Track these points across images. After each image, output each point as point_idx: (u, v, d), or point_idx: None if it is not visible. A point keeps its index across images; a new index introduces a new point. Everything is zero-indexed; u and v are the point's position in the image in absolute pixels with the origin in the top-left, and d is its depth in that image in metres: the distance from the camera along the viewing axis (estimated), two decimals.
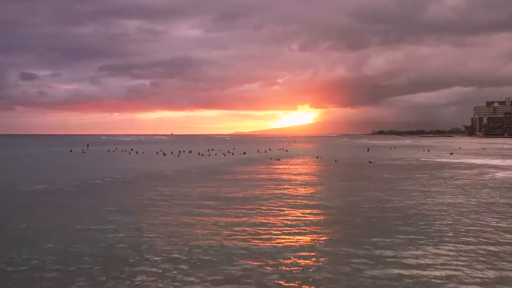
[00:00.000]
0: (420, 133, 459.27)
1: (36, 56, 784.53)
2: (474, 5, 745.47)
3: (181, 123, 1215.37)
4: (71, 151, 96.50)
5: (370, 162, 59.68)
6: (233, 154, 76.69)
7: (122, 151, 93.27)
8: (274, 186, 31.80)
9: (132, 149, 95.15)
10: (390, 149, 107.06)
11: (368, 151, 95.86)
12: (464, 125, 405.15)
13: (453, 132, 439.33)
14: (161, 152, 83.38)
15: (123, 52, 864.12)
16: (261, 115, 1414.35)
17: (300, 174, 42.79)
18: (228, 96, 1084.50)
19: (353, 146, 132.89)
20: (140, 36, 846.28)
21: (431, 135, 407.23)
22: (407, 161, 63.77)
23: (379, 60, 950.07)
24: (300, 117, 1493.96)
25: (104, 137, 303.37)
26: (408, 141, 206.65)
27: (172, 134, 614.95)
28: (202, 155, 76.44)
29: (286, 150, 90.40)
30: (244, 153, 78.27)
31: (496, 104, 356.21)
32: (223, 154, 76.42)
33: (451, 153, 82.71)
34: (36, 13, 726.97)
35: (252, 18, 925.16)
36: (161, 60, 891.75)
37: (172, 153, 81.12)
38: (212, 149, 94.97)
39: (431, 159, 67.04)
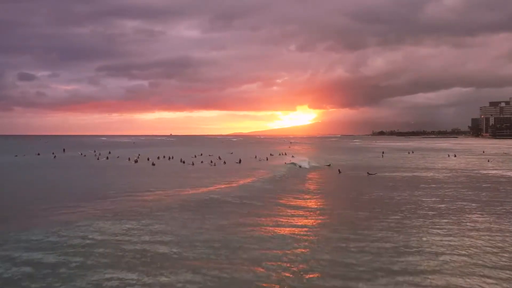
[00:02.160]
0: (422, 134, 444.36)
1: (35, 56, 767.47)
2: (473, 6, 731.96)
3: (180, 123, 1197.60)
4: (38, 154, 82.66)
5: (369, 174, 44.93)
6: (225, 162, 60.77)
7: (95, 155, 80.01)
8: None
9: (109, 152, 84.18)
10: (408, 153, 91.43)
11: (382, 156, 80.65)
12: (468, 126, 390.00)
13: (455, 132, 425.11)
14: (137, 157, 69.44)
15: (122, 53, 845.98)
16: (260, 115, 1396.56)
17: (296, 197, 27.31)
18: (227, 97, 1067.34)
19: (364, 149, 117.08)
20: (138, 36, 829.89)
21: (433, 136, 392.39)
22: (443, 172, 48.18)
23: (378, 61, 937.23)
24: (299, 118, 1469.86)
25: (104, 138, 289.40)
26: (423, 143, 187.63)
27: (171, 134, 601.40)
28: (184, 162, 60.83)
29: (292, 156, 74.58)
30: (240, 161, 62.44)
31: (503, 104, 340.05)
32: (211, 162, 60.54)
33: (491, 160, 67.01)
34: (34, 14, 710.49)
35: (250, 18, 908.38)
36: (159, 61, 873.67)
37: (148, 159, 65.83)
38: (201, 154, 79.39)
39: (476, 170, 51.43)
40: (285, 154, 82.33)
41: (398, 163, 63.33)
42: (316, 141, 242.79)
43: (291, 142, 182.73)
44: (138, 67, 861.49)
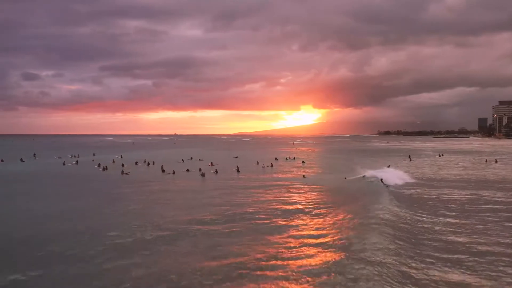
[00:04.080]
0: (430, 133, 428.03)
1: (38, 56, 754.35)
2: (475, 5, 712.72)
3: (184, 123, 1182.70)
4: (2, 160, 69.37)
5: (382, 183, 32.19)
6: (216, 171, 46.08)
7: (71, 157, 68.56)
8: None
9: (93, 155, 73.85)
10: (439, 156, 76.35)
11: (410, 160, 65.93)
12: (480, 126, 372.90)
13: (463, 132, 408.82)
14: (111, 163, 57.01)
15: (124, 52, 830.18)
16: (264, 115, 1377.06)
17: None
18: (231, 97, 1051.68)
19: (385, 152, 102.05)
20: (141, 36, 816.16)
21: (442, 136, 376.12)
22: (509, 190, 33.20)
23: (381, 61, 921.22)
24: (303, 118, 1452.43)
25: (111, 138, 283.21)
26: (441, 144, 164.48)
27: (175, 134, 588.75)
28: (164, 171, 46.82)
29: (303, 162, 59.91)
30: (238, 169, 47.81)
31: None
32: (200, 170, 46.00)
33: None
34: (37, 14, 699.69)
35: (252, 18, 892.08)
36: (162, 61, 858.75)
37: (122, 165, 52.46)
38: (191, 158, 65.46)
39: None
40: (294, 158, 67.75)
41: (435, 171, 48.54)
42: (326, 141, 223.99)
43: (294, 143, 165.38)
44: (141, 67, 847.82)
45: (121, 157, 70.31)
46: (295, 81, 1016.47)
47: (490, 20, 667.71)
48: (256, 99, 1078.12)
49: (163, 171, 46.68)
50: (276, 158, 65.84)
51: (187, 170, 47.88)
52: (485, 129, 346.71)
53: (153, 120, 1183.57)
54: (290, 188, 32.53)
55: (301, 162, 60.22)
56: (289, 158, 67.99)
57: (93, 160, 63.57)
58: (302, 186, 34.47)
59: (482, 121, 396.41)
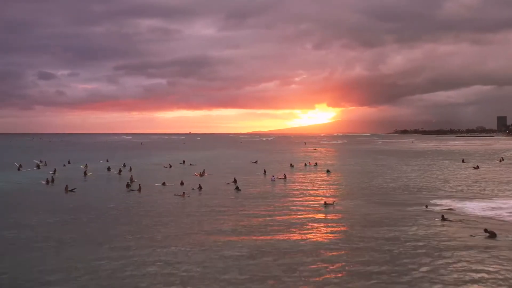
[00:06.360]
0: (450, 132, 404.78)
1: (54, 56, 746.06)
2: (492, 2, 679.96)
3: (199, 122, 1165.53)
4: None
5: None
6: (200, 187, 30.17)
7: (38, 164, 52.42)
8: None
9: (68, 162, 56.34)
10: (500, 161, 58.78)
11: (477, 167, 47.69)
12: (499, 124, 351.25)
13: (484, 131, 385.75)
14: (85, 167, 45.47)
15: (139, 51, 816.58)
16: (279, 114, 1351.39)
17: None
18: (246, 95, 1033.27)
19: (430, 155, 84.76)
20: (154, 35, 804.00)
21: (463, 135, 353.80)
22: None
23: (396, 59, 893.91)
24: (318, 116, 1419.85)
25: (130, 137, 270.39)
26: (475, 144, 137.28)
27: (190, 133, 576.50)
28: (128, 186, 31.95)
29: (328, 171, 42.79)
30: (235, 184, 32.10)
31: None
32: (182, 184, 30.52)
33: None
34: (53, 14, 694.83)
35: (266, 16, 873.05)
36: (176, 60, 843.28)
37: (85, 174, 40.29)
38: (183, 162, 50.99)
39: None
40: (315, 164, 51.17)
41: None
42: (348, 140, 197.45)
43: (305, 143, 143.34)
44: (155, 66, 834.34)
45: (107, 161, 56.19)
46: (309, 79, 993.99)
47: (507, 17, 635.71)
48: (271, 98, 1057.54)
49: (128, 186, 31.30)
50: (291, 165, 49.65)
51: (163, 183, 32.33)
52: (506, 128, 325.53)
53: (169, 119, 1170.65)
54: (309, 255, 15.36)
55: (325, 171, 43.59)
56: (309, 165, 51.38)
57: (64, 165, 51.09)
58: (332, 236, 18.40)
59: (501, 120, 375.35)
